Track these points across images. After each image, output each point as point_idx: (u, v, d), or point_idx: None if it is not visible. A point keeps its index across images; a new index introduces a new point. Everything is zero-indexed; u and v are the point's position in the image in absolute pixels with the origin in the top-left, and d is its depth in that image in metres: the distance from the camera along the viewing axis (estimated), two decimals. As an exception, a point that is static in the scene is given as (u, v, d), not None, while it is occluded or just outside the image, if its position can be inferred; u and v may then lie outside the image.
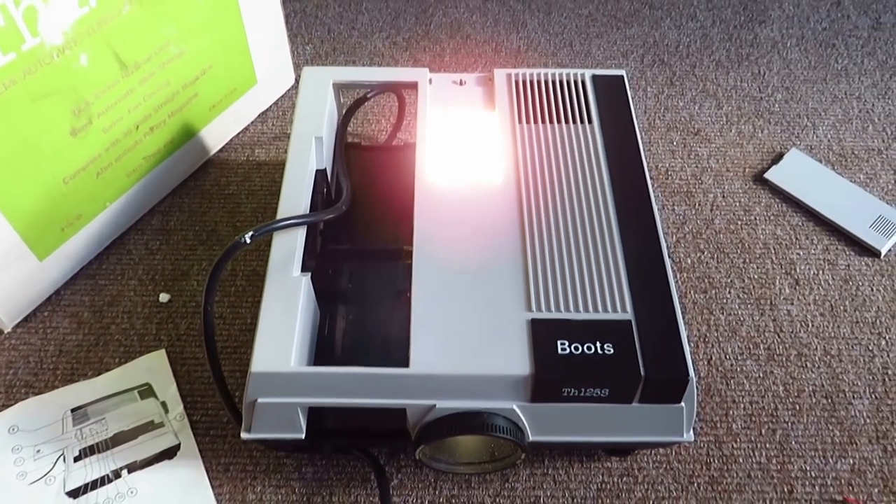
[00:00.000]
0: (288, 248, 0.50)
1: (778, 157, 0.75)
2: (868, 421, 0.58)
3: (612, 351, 0.44)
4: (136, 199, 0.67)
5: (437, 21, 0.89)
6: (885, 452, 0.56)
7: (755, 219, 0.70)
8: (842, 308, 0.64)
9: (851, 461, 0.56)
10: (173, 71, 0.64)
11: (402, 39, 0.87)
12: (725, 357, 0.61)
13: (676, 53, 0.85)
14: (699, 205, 0.71)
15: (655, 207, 0.52)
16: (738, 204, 0.71)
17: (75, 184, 0.60)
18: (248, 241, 0.47)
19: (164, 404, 0.57)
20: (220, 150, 0.75)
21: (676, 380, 0.44)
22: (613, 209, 0.52)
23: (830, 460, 0.56)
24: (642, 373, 0.44)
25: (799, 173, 0.73)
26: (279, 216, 0.51)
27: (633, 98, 0.80)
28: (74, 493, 0.53)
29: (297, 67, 0.82)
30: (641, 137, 0.77)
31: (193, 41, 0.65)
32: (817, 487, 0.54)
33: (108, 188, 0.63)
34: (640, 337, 0.45)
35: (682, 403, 0.46)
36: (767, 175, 0.73)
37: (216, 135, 0.73)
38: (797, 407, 0.58)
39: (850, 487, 0.54)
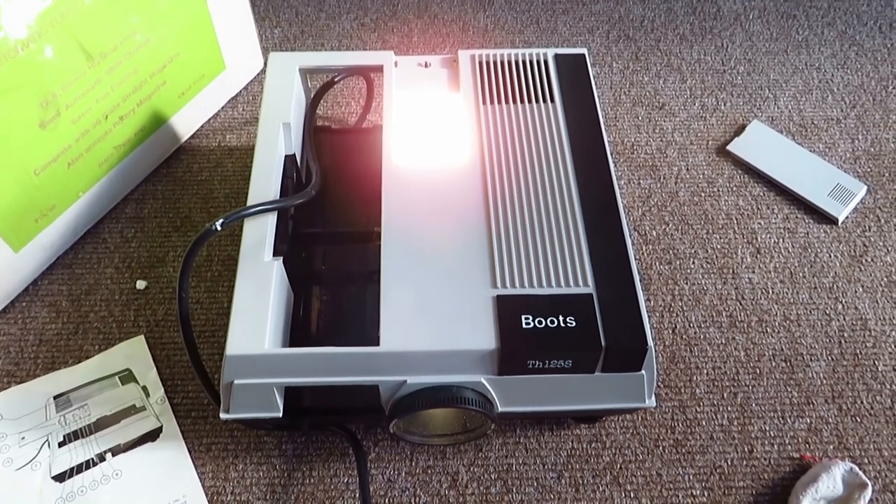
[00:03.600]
0: (259, 233, 0.51)
1: (740, 129, 0.76)
2: (824, 382, 0.60)
3: (574, 324, 0.46)
4: (108, 189, 0.67)
5: (405, 1, 0.89)
6: (840, 411, 0.59)
7: (718, 190, 0.72)
8: (801, 275, 0.66)
9: (808, 420, 0.58)
10: (140, 60, 0.64)
11: (369, 20, 0.87)
12: (689, 325, 0.63)
13: (641, 28, 0.87)
14: (664, 178, 0.73)
15: (616, 184, 0.54)
16: (701, 176, 0.73)
17: (47, 175, 0.60)
18: (219, 227, 0.48)
19: (144, 389, 0.59)
20: (192, 137, 0.75)
21: (636, 349, 0.46)
22: (575, 187, 0.53)
23: (788, 420, 0.58)
24: (603, 343, 0.46)
25: (760, 144, 0.74)
26: (249, 202, 0.52)
27: (598, 74, 0.82)
28: (60, 478, 0.54)
29: (266, 51, 0.83)
30: (604, 114, 0.78)
31: (159, 29, 0.65)
32: (776, 446, 0.57)
33: (80, 178, 0.64)
34: (600, 309, 0.47)
35: (643, 371, 0.48)
36: (730, 147, 0.74)
37: (187, 122, 0.74)
38: (757, 371, 0.61)
39: (807, 445, 0.57)
